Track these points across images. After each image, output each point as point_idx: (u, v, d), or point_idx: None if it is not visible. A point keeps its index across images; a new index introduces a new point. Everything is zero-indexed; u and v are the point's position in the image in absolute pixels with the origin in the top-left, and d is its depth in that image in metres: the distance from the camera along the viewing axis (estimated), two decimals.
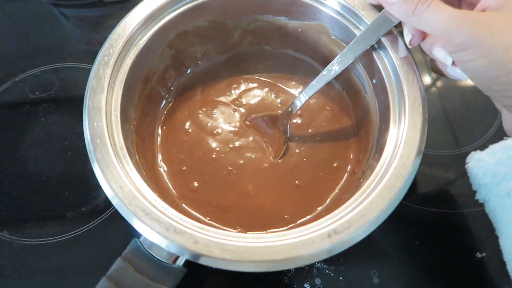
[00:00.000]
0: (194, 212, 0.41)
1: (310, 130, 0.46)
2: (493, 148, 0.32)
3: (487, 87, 0.31)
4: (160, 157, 0.44)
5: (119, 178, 0.31)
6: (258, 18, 0.46)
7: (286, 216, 0.40)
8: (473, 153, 0.34)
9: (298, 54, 0.50)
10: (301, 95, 0.43)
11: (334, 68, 0.40)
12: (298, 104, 0.43)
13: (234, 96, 0.49)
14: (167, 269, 0.32)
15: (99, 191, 0.45)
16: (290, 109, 0.44)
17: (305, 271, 0.41)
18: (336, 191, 0.41)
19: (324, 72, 0.40)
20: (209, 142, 0.45)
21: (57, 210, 0.44)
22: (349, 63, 0.39)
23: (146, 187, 0.32)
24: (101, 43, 0.38)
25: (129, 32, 0.38)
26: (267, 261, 0.28)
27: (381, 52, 0.38)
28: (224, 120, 0.47)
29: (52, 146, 0.48)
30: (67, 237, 0.43)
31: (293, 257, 0.28)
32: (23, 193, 0.45)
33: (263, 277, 0.41)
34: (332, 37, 0.43)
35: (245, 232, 0.39)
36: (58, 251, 0.42)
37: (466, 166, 0.35)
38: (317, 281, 0.40)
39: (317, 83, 0.41)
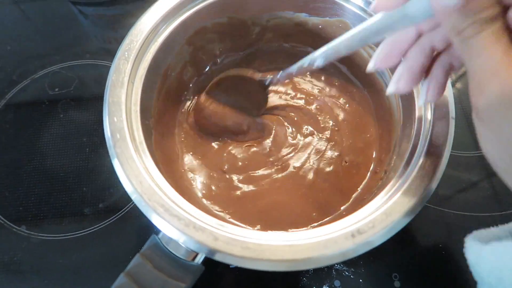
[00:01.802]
0: (215, 210, 0.40)
1: (331, 128, 0.45)
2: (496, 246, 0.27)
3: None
4: (183, 155, 0.44)
5: (139, 173, 0.31)
6: (279, 14, 0.45)
7: (307, 216, 0.39)
8: (470, 238, 0.30)
9: None
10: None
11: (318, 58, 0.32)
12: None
13: None
14: (185, 266, 0.31)
15: (116, 187, 0.45)
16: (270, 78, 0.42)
17: (324, 272, 0.40)
18: (359, 190, 0.41)
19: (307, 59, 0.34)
20: (231, 143, 0.45)
21: (74, 206, 0.44)
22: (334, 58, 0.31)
23: (165, 183, 0.31)
24: (118, 41, 0.38)
25: (150, 28, 0.37)
26: (288, 260, 0.28)
27: None
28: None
29: (71, 143, 0.48)
30: (84, 233, 0.43)
31: (315, 256, 0.28)
32: (41, 189, 0.46)
33: (281, 277, 0.40)
34: None
35: (265, 231, 0.38)
36: (75, 247, 0.42)
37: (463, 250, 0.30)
38: (337, 283, 0.39)
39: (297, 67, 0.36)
